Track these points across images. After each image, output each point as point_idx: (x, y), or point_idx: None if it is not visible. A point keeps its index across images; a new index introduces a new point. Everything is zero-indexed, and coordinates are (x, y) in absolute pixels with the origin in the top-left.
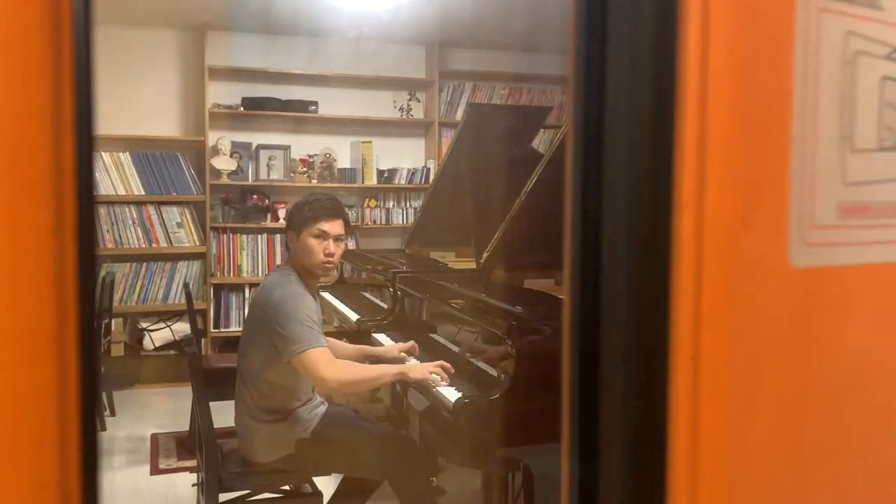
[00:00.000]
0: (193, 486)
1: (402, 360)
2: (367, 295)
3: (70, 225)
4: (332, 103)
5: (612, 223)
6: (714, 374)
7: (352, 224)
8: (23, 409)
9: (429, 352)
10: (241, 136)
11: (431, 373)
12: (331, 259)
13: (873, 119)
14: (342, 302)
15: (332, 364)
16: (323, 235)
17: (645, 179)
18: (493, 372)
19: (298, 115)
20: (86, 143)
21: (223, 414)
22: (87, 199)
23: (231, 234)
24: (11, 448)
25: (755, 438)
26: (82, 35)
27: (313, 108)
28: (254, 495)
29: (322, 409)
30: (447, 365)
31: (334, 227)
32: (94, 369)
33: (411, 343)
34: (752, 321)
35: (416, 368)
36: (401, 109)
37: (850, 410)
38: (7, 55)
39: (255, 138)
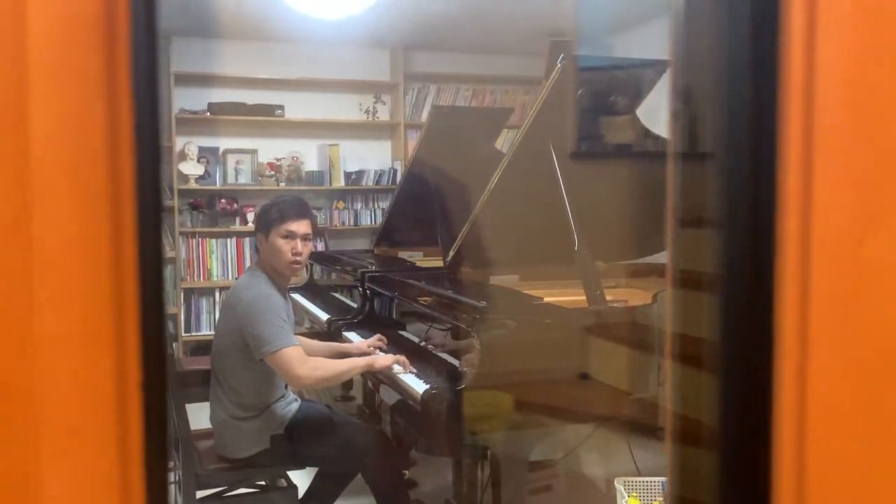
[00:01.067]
0: (171, 483)
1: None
2: (337, 295)
3: (129, 236)
4: (298, 107)
5: (713, 220)
6: (826, 393)
7: (320, 226)
8: (84, 403)
9: (398, 348)
10: (208, 141)
11: (395, 362)
12: (299, 259)
13: None
14: (312, 302)
15: (305, 362)
16: (290, 236)
17: (744, 175)
18: (460, 364)
19: (265, 119)
20: (149, 154)
21: (197, 416)
22: (152, 208)
23: (200, 239)
24: (74, 440)
25: (876, 472)
26: (142, 49)
27: (279, 111)
28: (230, 491)
29: (295, 405)
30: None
31: (301, 226)
32: (162, 372)
33: (377, 336)
34: (882, 339)
35: (381, 359)
36: (366, 112)
37: None
38: (62, 72)
39: (222, 143)
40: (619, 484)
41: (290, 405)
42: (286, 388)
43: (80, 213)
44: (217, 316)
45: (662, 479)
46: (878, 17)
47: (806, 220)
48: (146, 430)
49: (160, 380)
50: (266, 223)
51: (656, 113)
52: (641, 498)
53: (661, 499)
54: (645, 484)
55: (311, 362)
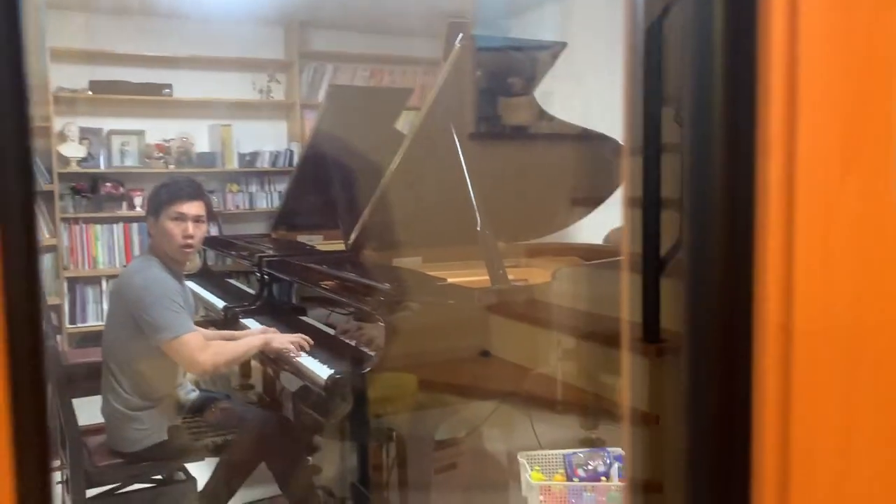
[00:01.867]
0: (57, 483)
1: None
2: (233, 281)
3: None
4: (187, 86)
5: (680, 163)
6: (811, 344)
7: (214, 210)
8: None
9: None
10: (91, 122)
11: (291, 342)
12: (190, 242)
13: None
14: (207, 290)
15: (206, 349)
16: (181, 218)
17: (720, 114)
18: (364, 348)
19: (152, 99)
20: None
21: (85, 411)
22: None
23: (84, 225)
24: None
25: (860, 419)
26: None
27: (167, 90)
28: (124, 487)
29: (193, 395)
30: (307, 337)
31: (192, 208)
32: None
33: (272, 329)
34: (856, 281)
35: (278, 338)
36: (260, 91)
37: None
38: None
39: (106, 123)
40: (521, 458)
41: (188, 395)
42: (184, 376)
43: None
44: (105, 305)
45: (564, 451)
46: None
47: (791, 160)
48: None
49: (38, 378)
50: (156, 206)
51: (552, 95)
52: (543, 470)
53: (563, 470)
54: (546, 457)
55: (212, 348)
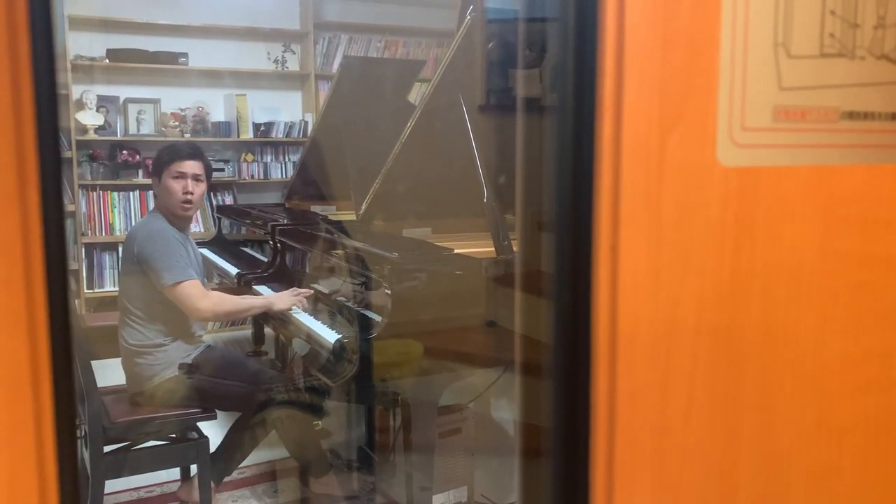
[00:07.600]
0: (77, 438)
1: None
2: (247, 250)
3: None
4: (203, 55)
5: (546, 126)
6: (633, 263)
7: (228, 179)
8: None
9: (309, 300)
10: (108, 90)
11: (292, 303)
12: (190, 198)
13: (815, 25)
14: (221, 257)
15: (207, 296)
16: (181, 176)
17: (572, 87)
18: (371, 314)
19: (168, 68)
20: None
21: (102, 374)
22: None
23: (101, 192)
24: None
25: (680, 327)
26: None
27: (183, 59)
28: (138, 444)
29: (205, 344)
30: (307, 292)
31: (191, 167)
32: (67, 339)
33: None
34: (678, 214)
35: (281, 300)
36: (275, 61)
37: (781, 299)
38: None
39: (123, 91)
40: None
41: (200, 341)
42: (200, 331)
43: None
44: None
45: None
46: None
47: (618, 123)
48: (55, 386)
49: (66, 336)
50: (158, 166)
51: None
52: None
53: None
54: None
55: (213, 297)
